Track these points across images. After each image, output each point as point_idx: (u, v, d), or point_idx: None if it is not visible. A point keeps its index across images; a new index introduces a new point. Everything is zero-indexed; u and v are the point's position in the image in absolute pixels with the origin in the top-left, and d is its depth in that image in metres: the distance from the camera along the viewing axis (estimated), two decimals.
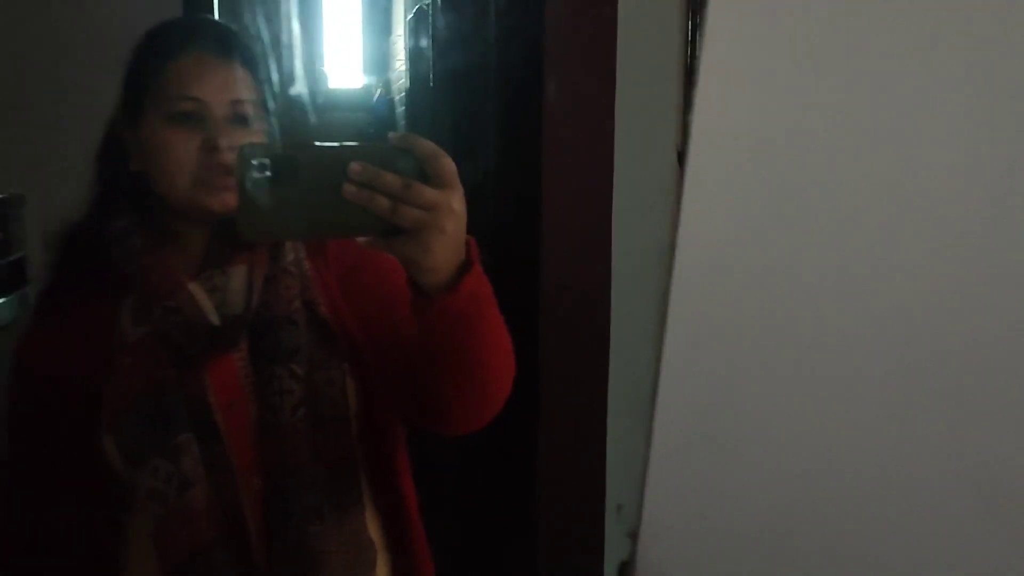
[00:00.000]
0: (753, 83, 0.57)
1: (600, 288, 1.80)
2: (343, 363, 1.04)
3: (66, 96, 2.34)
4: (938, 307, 0.55)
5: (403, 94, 5.15)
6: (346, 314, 1.06)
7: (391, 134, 0.79)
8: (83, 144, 2.38)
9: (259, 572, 0.98)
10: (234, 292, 1.02)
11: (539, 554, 1.92)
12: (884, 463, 0.57)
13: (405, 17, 4.84)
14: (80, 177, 2.29)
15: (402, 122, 5.35)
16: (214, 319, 1.00)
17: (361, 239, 0.81)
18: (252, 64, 1.04)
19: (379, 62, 6.80)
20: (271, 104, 1.06)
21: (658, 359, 0.60)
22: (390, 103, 6.20)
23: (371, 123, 6.38)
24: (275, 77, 1.12)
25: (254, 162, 0.76)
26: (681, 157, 1.56)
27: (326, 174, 0.77)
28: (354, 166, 0.77)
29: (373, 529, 1.05)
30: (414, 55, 4.11)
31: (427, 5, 3.37)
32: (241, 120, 1.00)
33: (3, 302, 2.22)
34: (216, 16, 2.38)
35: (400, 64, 5.34)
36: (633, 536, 0.62)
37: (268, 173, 0.76)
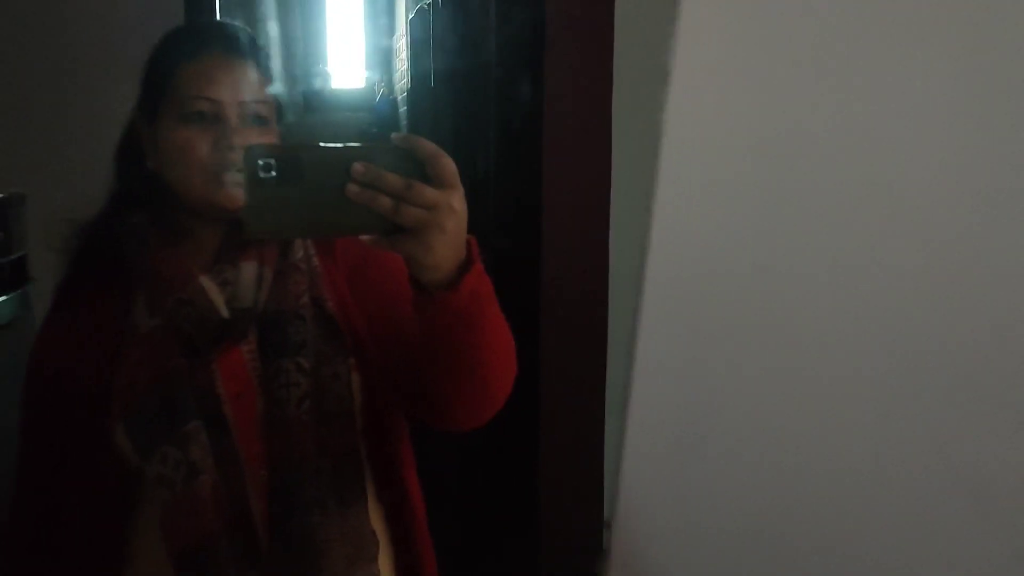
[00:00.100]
0: (725, 82, 0.58)
1: (599, 288, 1.80)
2: (349, 358, 1.06)
3: (67, 96, 2.34)
4: (913, 304, 0.55)
5: (405, 94, 5.14)
6: (353, 310, 1.09)
7: (393, 135, 0.81)
8: (83, 144, 2.40)
9: (263, 561, 1.00)
10: (244, 287, 1.05)
11: (540, 553, 1.92)
12: (857, 458, 0.57)
13: (407, 17, 4.83)
14: (80, 177, 2.30)
15: (404, 121, 5.34)
16: (224, 312, 1.03)
17: (364, 237, 0.83)
18: (266, 65, 1.07)
19: (382, 61, 6.79)
20: (284, 104, 1.09)
21: (631, 354, 0.61)
22: (393, 102, 6.20)
23: (373, 122, 6.37)
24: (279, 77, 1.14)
25: (260, 162, 0.78)
26: None
27: (330, 174, 0.79)
28: (357, 166, 0.79)
29: (376, 522, 1.07)
30: (415, 55, 4.11)
31: (428, 5, 3.36)
32: (255, 120, 1.04)
33: (4, 300, 2.23)
34: (218, 16, 2.37)
35: (402, 64, 5.33)
36: (607, 525, 0.61)
37: (273, 173, 0.79)
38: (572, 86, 1.80)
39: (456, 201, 0.82)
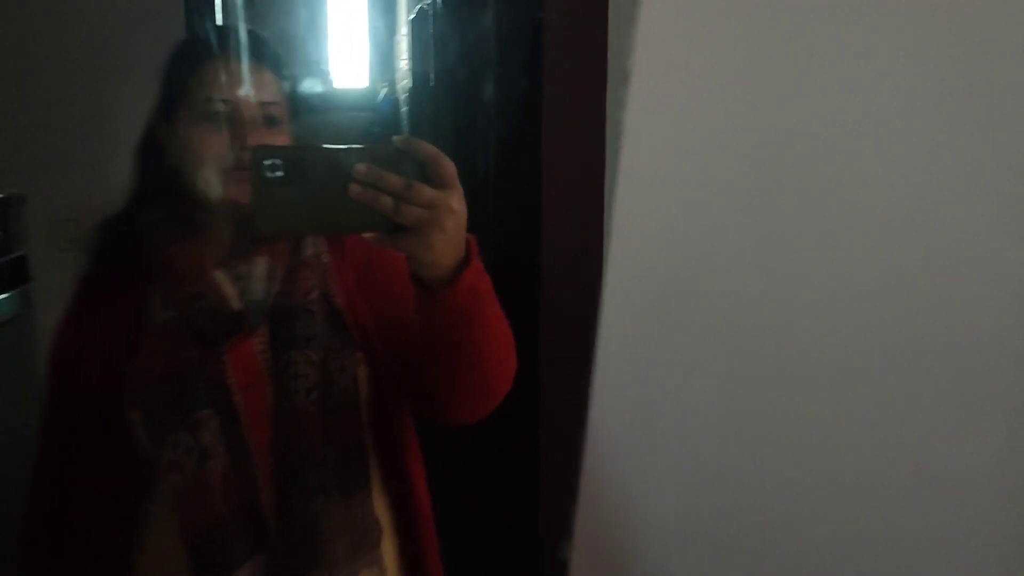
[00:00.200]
0: (685, 82, 0.59)
1: (598, 287, 1.79)
2: (356, 352, 1.09)
3: (66, 98, 2.35)
4: (878, 301, 0.57)
5: (407, 93, 5.14)
6: (361, 306, 1.12)
7: (395, 137, 0.85)
8: (82, 145, 2.40)
9: (271, 545, 1.04)
10: (256, 281, 1.08)
11: (543, 549, 1.92)
12: (819, 453, 0.59)
13: (408, 16, 4.82)
14: (79, 178, 2.31)
15: (406, 121, 5.34)
16: (236, 305, 1.07)
17: (366, 235, 0.86)
18: (280, 68, 1.11)
19: (384, 61, 6.79)
20: (297, 105, 1.13)
21: (592, 356, 0.64)
22: (395, 102, 6.19)
23: (376, 122, 6.36)
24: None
25: (266, 162, 0.81)
26: None
27: (333, 174, 0.82)
28: (360, 167, 0.82)
29: (380, 511, 1.11)
30: (416, 55, 4.10)
31: (428, 5, 3.35)
32: (268, 120, 1.07)
33: (3, 299, 2.23)
34: (218, 15, 2.37)
35: (405, 63, 5.32)
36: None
37: (279, 173, 0.82)
38: (571, 86, 1.79)
39: (455, 201, 0.85)
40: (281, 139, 1.08)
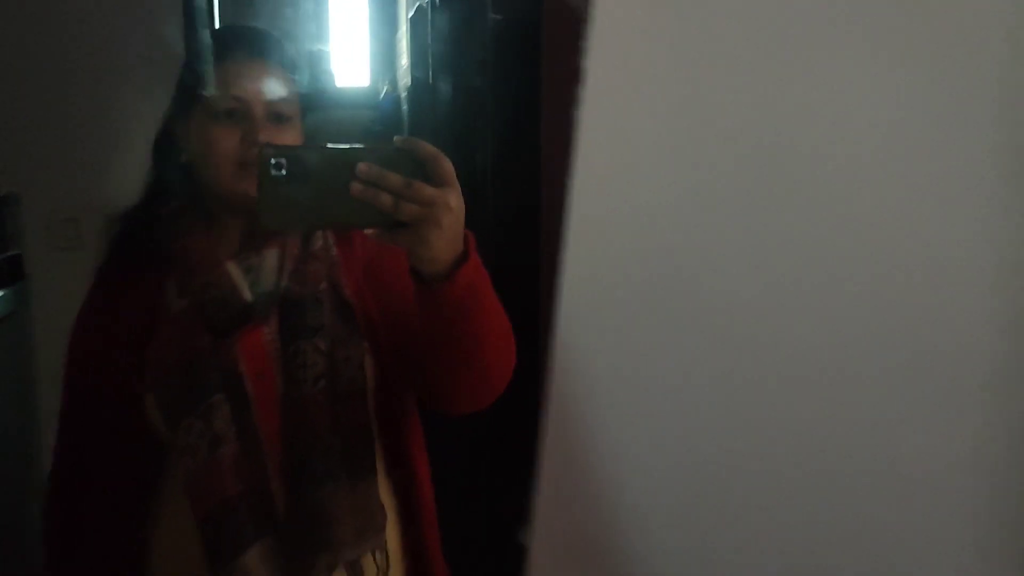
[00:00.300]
0: (636, 80, 0.61)
1: None
2: (363, 342, 1.13)
3: (62, 98, 2.34)
4: (816, 302, 0.58)
5: (407, 92, 5.13)
6: (368, 298, 1.16)
7: (396, 138, 0.89)
8: (78, 145, 2.38)
9: (279, 526, 1.08)
10: (267, 272, 1.13)
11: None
12: (769, 442, 0.61)
13: (407, 14, 4.81)
14: (74, 177, 2.29)
15: (406, 119, 5.33)
16: (247, 296, 1.11)
17: (368, 231, 0.90)
18: (290, 67, 1.15)
19: (386, 59, 6.78)
20: (306, 103, 1.17)
21: (549, 358, 0.68)
22: (396, 100, 6.18)
23: (377, 120, 6.35)
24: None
25: (272, 161, 0.86)
26: None
27: (336, 173, 0.86)
28: (361, 166, 0.86)
29: (385, 496, 1.15)
30: (415, 53, 4.09)
31: (426, 3, 3.34)
32: (278, 118, 1.11)
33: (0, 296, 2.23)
34: (217, 15, 2.36)
35: (406, 61, 5.31)
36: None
37: (284, 171, 0.86)
38: (571, 84, 1.77)
39: (453, 199, 0.88)
40: (291, 135, 1.12)
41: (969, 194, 0.55)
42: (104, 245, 1.19)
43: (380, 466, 1.15)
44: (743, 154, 0.58)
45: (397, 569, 1.18)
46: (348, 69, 6.97)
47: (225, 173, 1.09)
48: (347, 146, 0.88)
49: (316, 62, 6.44)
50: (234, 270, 1.12)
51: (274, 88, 1.12)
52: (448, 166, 0.89)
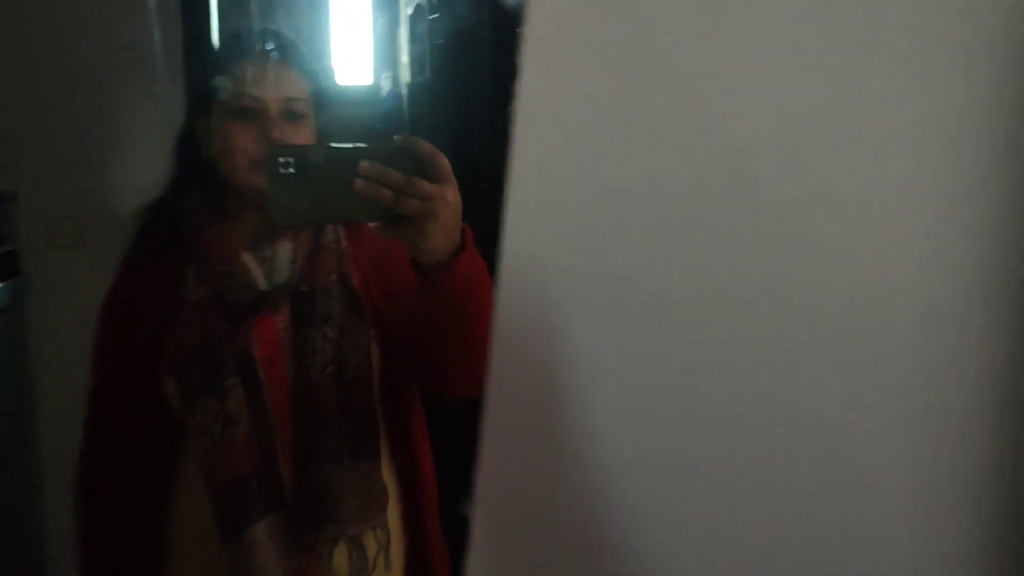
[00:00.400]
0: (573, 75, 0.62)
1: None
2: (369, 331, 1.20)
3: (64, 98, 2.36)
4: (779, 291, 0.59)
5: (406, 89, 5.14)
6: (375, 289, 1.23)
7: (396, 137, 0.95)
8: (75, 143, 2.40)
9: (286, 503, 1.15)
10: (280, 263, 1.19)
11: None
12: (710, 433, 0.62)
13: (406, 12, 4.81)
14: (71, 175, 2.31)
15: (407, 116, 5.35)
16: (262, 285, 1.18)
17: (370, 225, 0.97)
18: (305, 68, 1.22)
19: (387, 57, 6.79)
20: (319, 102, 1.24)
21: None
22: (398, 97, 6.20)
23: (379, 118, 6.36)
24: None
25: (281, 160, 0.92)
26: None
27: (340, 170, 0.93)
28: (363, 164, 0.92)
29: (387, 478, 1.21)
30: (413, 50, 4.10)
31: (425, 1, 3.34)
32: (291, 116, 1.18)
33: None
34: (215, 15, 2.37)
35: (406, 59, 5.32)
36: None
37: (292, 170, 0.92)
38: None
39: (450, 194, 0.95)
40: (304, 132, 1.19)
41: (911, 185, 0.55)
42: (129, 235, 1.26)
43: (383, 449, 1.21)
44: (682, 147, 0.59)
45: (397, 546, 1.24)
46: (351, 67, 6.98)
47: (241, 168, 1.15)
48: (350, 145, 0.94)
49: (324, 61, 6.46)
50: (250, 261, 1.19)
51: (288, 88, 1.18)
52: (445, 163, 0.95)
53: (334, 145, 0.95)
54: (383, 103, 6.44)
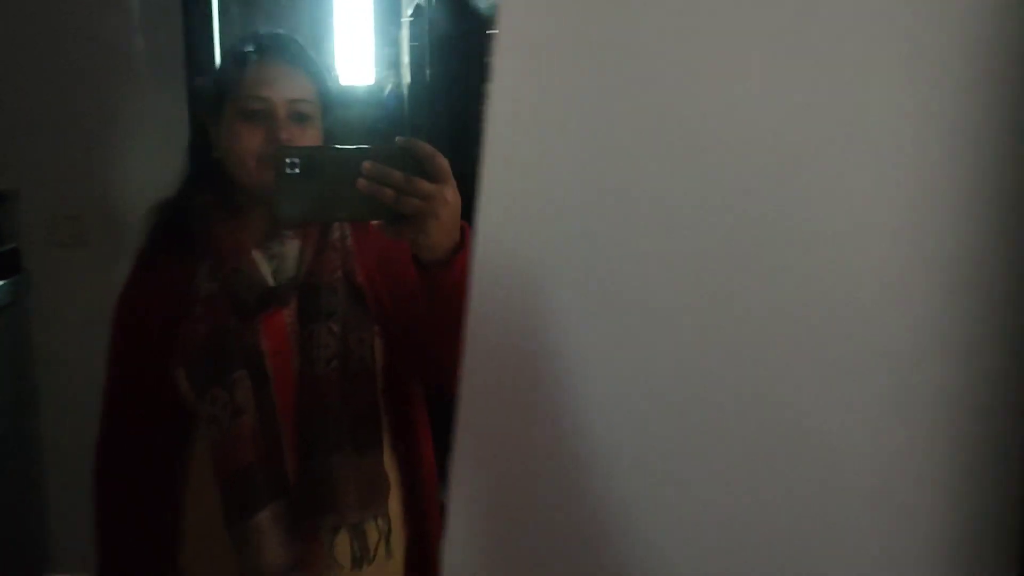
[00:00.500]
0: (543, 74, 0.63)
1: None
2: (373, 326, 1.24)
3: (61, 96, 2.36)
4: (743, 293, 0.60)
5: (407, 89, 5.15)
6: (380, 285, 1.27)
7: (397, 138, 0.99)
8: (76, 143, 2.41)
9: (290, 491, 1.20)
10: (288, 260, 1.24)
11: None
12: (685, 425, 0.63)
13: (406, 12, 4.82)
14: (72, 174, 2.32)
15: (408, 116, 5.34)
16: (271, 281, 1.23)
17: (372, 223, 1.00)
18: (312, 70, 1.26)
19: (389, 57, 6.79)
20: (325, 102, 1.28)
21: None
22: (400, 97, 6.20)
23: (381, 119, 6.35)
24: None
25: (287, 160, 0.96)
26: None
27: (343, 170, 0.96)
28: (366, 164, 0.96)
29: (389, 468, 1.26)
30: (413, 50, 4.11)
31: (424, 1, 3.36)
32: (299, 117, 1.22)
33: None
34: (216, 15, 2.38)
35: (407, 59, 5.33)
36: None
37: (297, 169, 0.95)
38: None
39: (449, 193, 0.99)
40: (311, 133, 1.23)
41: (893, 181, 0.55)
42: (144, 232, 1.31)
43: (386, 440, 1.25)
44: (657, 142, 0.60)
45: (398, 535, 1.28)
46: (354, 67, 6.98)
47: (250, 167, 1.20)
48: (353, 146, 0.98)
49: (327, 61, 6.45)
50: (259, 258, 1.24)
51: (295, 89, 1.22)
52: (444, 163, 0.99)
53: (338, 146, 1.00)
54: (385, 103, 6.43)
